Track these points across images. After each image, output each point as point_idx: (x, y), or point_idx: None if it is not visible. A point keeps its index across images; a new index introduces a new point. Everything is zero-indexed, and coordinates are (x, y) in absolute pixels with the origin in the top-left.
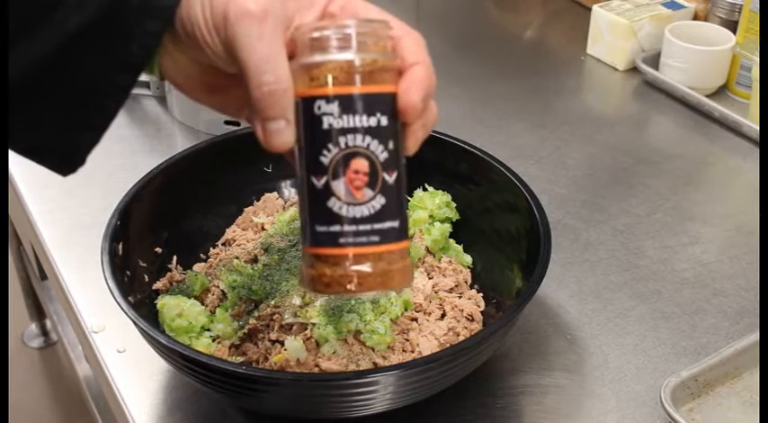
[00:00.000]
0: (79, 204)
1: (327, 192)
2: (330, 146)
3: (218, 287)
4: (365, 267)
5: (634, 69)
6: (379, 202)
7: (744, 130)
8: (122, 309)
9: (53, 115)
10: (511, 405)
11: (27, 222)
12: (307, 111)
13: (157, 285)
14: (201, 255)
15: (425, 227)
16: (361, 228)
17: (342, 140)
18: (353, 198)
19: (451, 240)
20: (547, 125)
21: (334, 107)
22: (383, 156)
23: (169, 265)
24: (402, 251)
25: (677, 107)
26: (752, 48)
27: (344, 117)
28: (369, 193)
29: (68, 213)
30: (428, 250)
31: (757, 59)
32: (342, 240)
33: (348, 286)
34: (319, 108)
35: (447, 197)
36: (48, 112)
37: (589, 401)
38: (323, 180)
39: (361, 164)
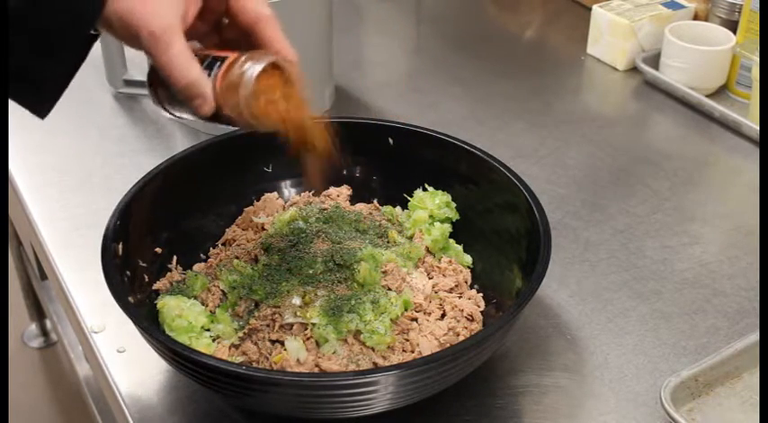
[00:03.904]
0: (79, 204)
1: None
2: None
3: (218, 287)
4: None
5: (634, 69)
6: None
7: (744, 130)
8: (122, 309)
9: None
10: (511, 405)
11: (27, 222)
12: None
13: (157, 285)
14: (201, 255)
15: (425, 227)
16: None
17: None
18: None
19: (451, 240)
20: (547, 125)
21: None
22: None
23: (169, 265)
24: None
25: (677, 107)
26: (752, 48)
27: None
28: None
29: (68, 213)
30: (428, 250)
31: (757, 59)
32: None
33: None
34: None
35: (447, 197)
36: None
37: (589, 401)
38: None
39: None
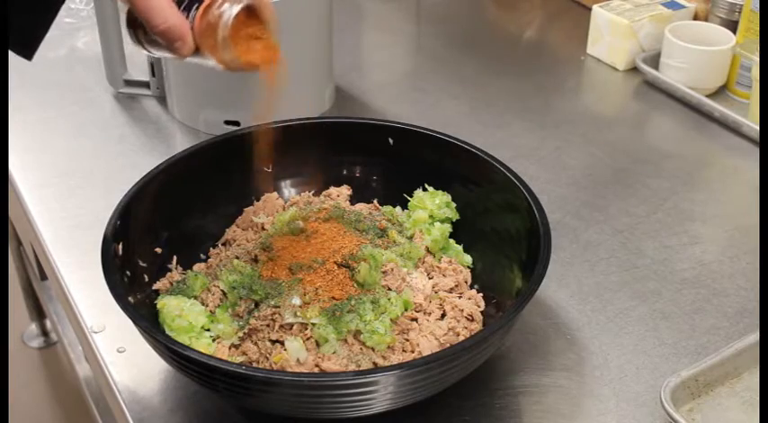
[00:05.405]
0: (79, 204)
1: None
2: None
3: (218, 287)
4: None
5: (634, 69)
6: None
7: (744, 130)
8: (122, 309)
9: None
10: (510, 405)
11: (27, 222)
12: None
13: (157, 285)
14: (201, 255)
15: (425, 227)
16: None
17: None
18: None
19: (451, 240)
20: (547, 125)
21: None
22: None
23: (169, 265)
24: None
25: (677, 107)
26: (752, 48)
27: None
28: None
29: (68, 213)
30: (428, 250)
31: (757, 59)
32: None
33: None
34: None
35: (447, 197)
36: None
37: (589, 401)
38: None
39: None
